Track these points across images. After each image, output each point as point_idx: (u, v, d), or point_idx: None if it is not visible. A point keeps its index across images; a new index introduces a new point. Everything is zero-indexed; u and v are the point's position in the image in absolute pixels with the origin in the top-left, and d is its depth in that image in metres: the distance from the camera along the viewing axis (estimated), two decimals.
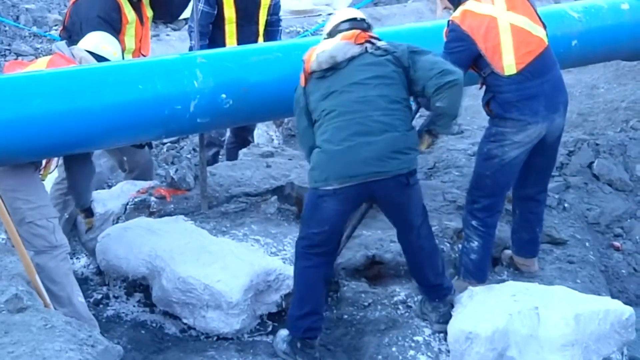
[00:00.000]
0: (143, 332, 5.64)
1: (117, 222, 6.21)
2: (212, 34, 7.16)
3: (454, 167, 7.68)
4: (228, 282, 5.32)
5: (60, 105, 5.01)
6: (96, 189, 6.51)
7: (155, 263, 5.58)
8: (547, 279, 5.90)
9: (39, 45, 11.43)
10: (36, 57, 10.04)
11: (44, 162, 5.42)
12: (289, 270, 5.43)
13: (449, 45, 5.47)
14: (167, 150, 8.84)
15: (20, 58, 10.38)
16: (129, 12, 6.44)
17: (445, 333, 5.20)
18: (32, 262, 5.02)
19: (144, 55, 6.67)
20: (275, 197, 6.42)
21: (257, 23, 7.26)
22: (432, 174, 7.54)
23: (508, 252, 6.13)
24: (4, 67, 5.93)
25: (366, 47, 5.05)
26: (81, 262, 6.47)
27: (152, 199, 6.39)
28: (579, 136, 7.98)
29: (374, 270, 5.96)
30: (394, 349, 5.27)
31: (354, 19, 5.29)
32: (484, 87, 5.55)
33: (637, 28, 7.29)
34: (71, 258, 6.12)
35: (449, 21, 5.50)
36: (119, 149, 6.63)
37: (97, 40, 5.67)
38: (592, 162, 7.54)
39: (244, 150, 7.90)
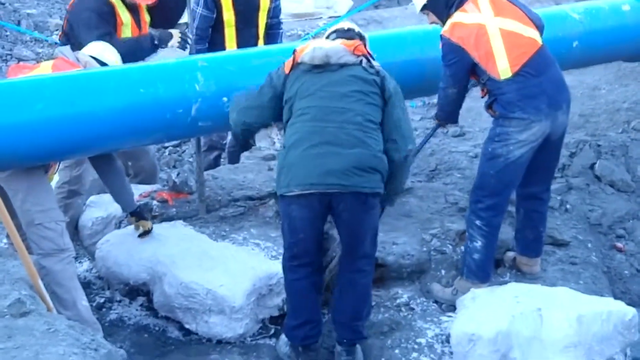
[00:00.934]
0: (146, 335, 5.64)
1: (119, 226, 6.21)
2: (211, 38, 7.17)
3: (456, 169, 7.69)
4: (231, 286, 5.32)
5: (62, 109, 5.02)
6: (98, 193, 6.51)
7: (156, 269, 5.58)
8: (549, 280, 5.90)
9: (40, 50, 11.45)
10: (37, 62, 10.05)
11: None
12: None
13: (445, 59, 5.53)
14: (169, 154, 8.84)
15: (21, 63, 10.38)
16: (122, 13, 6.42)
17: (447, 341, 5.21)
18: (36, 265, 5.03)
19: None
20: (273, 200, 6.41)
21: (256, 26, 7.25)
22: (433, 176, 7.55)
23: (511, 253, 6.13)
24: (7, 71, 5.93)
25: (361, 60, 5.04)
26: (84, 266, 6.48)
27: (154, 202, 6.39)
28: (580, 137, 7.97)
29: (376, 273, 5.94)
30: (397, 351, 5.28)
31: (342, 29, 5.33)
32: (486, 92, 5.58)
33: (638, 29, 7.29)
34: None
35: (440, 36, 5.53)
36: (123, 153, 6.63)
37: (101, 48, 5.69)
38: (594, 163, 7.54)
39: (246, 153, 7.88)
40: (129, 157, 6.84)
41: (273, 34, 7.41)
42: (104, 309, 5.94)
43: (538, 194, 5.86)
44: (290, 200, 4.87)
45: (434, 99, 5.99)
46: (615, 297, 5.89)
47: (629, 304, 5.33)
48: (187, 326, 5.48)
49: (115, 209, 6.21)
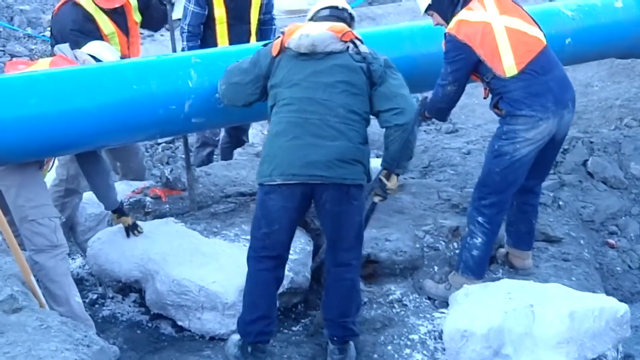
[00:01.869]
0: (139, 332, 5.64)
1: (111, 223, 6.20)
2: (203, 35, 7.15)
3: (449, 166, 7.70)
4: (223, 283, 5.32)
5: (55, 105, 5.00)
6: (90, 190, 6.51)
7: (148, 266, 5.57)
8: (542, 277, 5.91)
9: (33, 47, 11.43)
10: (31, 59, 10.05)
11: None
12: None
13: (449, 56, 5.51)
14: (162, 151, 8.85)
15: (14, 59, 10.36)
16: (104, 26, 6.41)
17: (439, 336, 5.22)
18: (29, 261, 5.03)
19: None
20: None
21: (248, 22, 7.23)
22: (426, 173, 7.56)
23: (503, 250, 6.14)
24: (5, 66, 5.92)
25: (348, 47, 5.00)
26: (77, 262, 6.48)
27: (148, 199, 6.39)
28: (573, 134, 7.99)
29: (369, 269, 5.97)
30: (389, 347, 5.28)
31: (335, 7, 5.27)
32: (489, 92, 5.60)
33: (631, 26, 7.31)
34: None
35: (445, 33, 5.53)
36: (112, 154, 6.63)
37: (100, 47, 5.70)
38: (587, 160, 7.57)
39: (239, 149, 7.90)
40: (119, 157, 6.84)
41: (265, 30, 7.39)
42: (96, 306, 5.94)
43: (533, 187, 5.89)
44: (270, 189, 4.86)
45: (428, 95, 5.95)
46: (608, 294, 5.91)
47: (621, 301, 5.35)
48: (179, 323, 5.47)
49: None
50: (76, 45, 5.75)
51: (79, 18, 6.31)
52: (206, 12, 7.08)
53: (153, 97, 5.32)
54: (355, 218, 4.98)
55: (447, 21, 5.59)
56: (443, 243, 6.11)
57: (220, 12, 7.08)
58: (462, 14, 5.49)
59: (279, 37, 5.14)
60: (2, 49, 11.22)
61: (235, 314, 5.24)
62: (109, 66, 5.48)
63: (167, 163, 8.47)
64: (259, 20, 7.29)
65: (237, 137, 7.87)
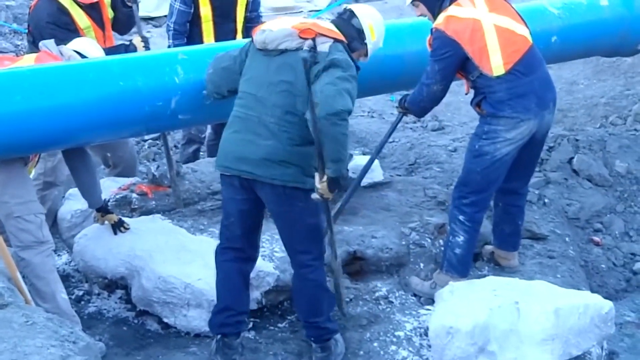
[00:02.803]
0: (125, 328, 5.64)
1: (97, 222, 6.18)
2: (189, 33, 7.14)
3: (435, 163, 7.72)
4: (209, 280, 5.30)
5: (41, 101, 4.97)
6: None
7: (134, 263, 5.57)
8: (527, 274, 5.94)
9: (19, 42, 11.39)
10: (17, 54, 10.01)
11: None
12: (269, 267, 5.47)
13: (436, 53, 5.47)
14: (148, 147, 8.82)
15: (0, 55, 10.31)
16: (80, 19, 6.38)
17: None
18: (15, 257, 5.02)
19: None
20: None
21: (234, 21, 7.21)
22: (413, 170, 7.58)
23: (489, 247, 6.16)
24: None
25: (305, 44, 4.76)
26: (63, 258, 6.45)
27: (134, 195, 6.38)
28: (558, 132, 8.04)
29: (355, 266, 5.98)
30: (375, 344, 5.29)
31: (346, 11, 5.11)
32: (473, 90, 5.59)
33: (617, 24, 7.34)
34: None
35: (432, 29, 5.50)
36: (101, 145, 6.62)
37: (85, 43, 5.68)
38: (572, 158, 7.59)
39: None
40: (108, 148, 6.82)
41: (252, 27, 7.31)
42: (82, 302, 5.93)
43: (517, 189, 5.90)
44: (222, 181, 5.01)
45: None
46: (592, 291, 5.94)
47: (605, 298, 5.37)
48: (165, 320, 5.48)
49: None
50: (52, 38, 5.73)
51: (54, 11, 6.29)
52: (192, 10, 7.06)
53: (139, 94, 5.31)
54: (305, 220, 4.89)
55: (434, 14, 5.57)
56: (429, 240, 6.13)
57: (205, 10, 7.07)
58: (451, 10, 5.46)
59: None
60: None
61: None
62: (95, 62, 5.47)
63: (154, 160, 8.44)
64: (245, 18, 7.27)
65: None
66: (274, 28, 4.88)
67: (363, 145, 7.95)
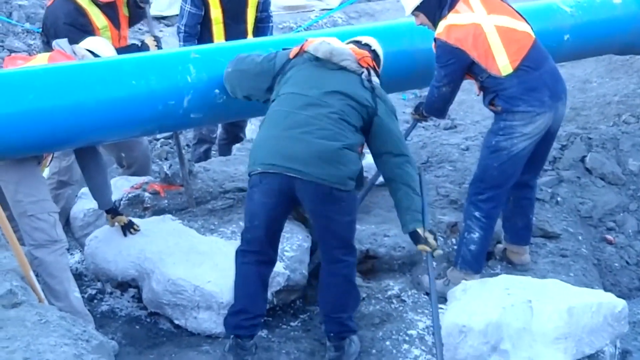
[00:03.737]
0: (137, 327, 5.65)
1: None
2: (200, 35, 7.14)
3: (447, 162, 7.70)
4: (218, 282, 5.31)
5: (54, 100, 5.00)
6: None
7: (144, 265, 5.56)
8: (540, 273, 5.93)
9: (31, 42, 11.40)
10: (29, 54, 10.03)
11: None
12: (279, 266, 5.42)
13: (440, 60, 5.51)
14: (160, 146, 8.83)
15: (13, 54, 10.34)
16: (97, 19, 6.38)
17: None
18: (29, 256, 5.03)
19: None
20: None
21: (245, 22, 7.21)
22: (425, 169, 7.56)
23: (501, 245, 6.16)
24: (3, 61, 5.91)
25: (362, 72, 5.01)
26: (75, 257, 6.48)
27: (146, 194, 6.39)
28: (571, 130, 8.01)
29: (367, 265, 5.98)
30: (387, 342, 5.29)
31: (358, 42, 5.33)
32: (483, 90, 5.60)
33: (630, 22, 7.31)
34: None
35: (435, 38, 5.51)
36: (116, 145, 6.63)
37: (98, 42, 5.70)
38: (585, 156, 7.57)
39: (237, 145, 7.92)
40: (123, 148, 6.83)
41: (262, 27, 7.37)
42: (95, 301, 5.95)
43: (528, 181, 5.91)
44: (253, 182, 4.88)
45: (425, 92, 5.96)
46: (605, 289, 5.93)
47: (618, 296, 5.34)
48: (176, 322, 5.48)
49: None
50: (68, 38, 5.74)
51: (71, 11, 6.29)
52: (202, 13, 7.07)
53: (152, 93, 5.32)
54: (344, 217, 4.93)
55: (434, 22, 5.57)
56: (441, 239, 6.11)
57: (216, 12, 7.07)
58: (450, 18, 5.46)
59: (300, 45, 5.17)
60: (0, 44, 11.19)
61: None
62: (108, 61, 5.48)
63: (166, 159, 8.46)
64: (255, 18, 7.28)
65: (234, 134, 7.87)
66: (335, 44, 5.06)
67: None
